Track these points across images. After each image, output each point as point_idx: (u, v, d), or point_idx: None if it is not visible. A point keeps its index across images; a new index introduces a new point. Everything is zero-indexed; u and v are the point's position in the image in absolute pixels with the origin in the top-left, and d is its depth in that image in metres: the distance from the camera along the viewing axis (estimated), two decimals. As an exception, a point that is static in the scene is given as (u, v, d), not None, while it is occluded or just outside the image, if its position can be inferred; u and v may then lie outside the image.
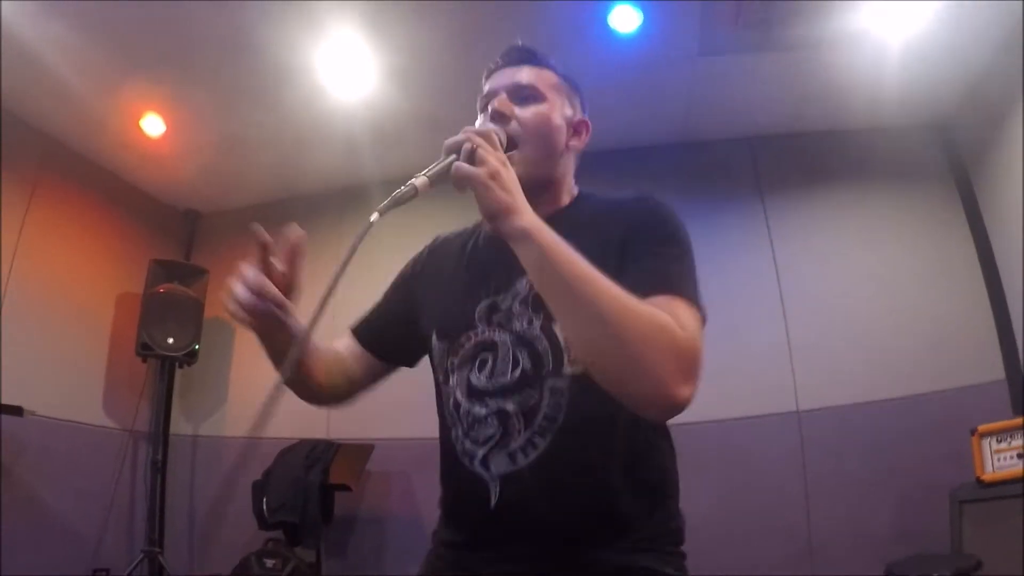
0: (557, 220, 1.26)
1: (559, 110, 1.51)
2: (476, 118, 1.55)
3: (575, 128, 1.56)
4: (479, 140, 1.20)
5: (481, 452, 1.34)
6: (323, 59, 3.96)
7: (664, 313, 1.15)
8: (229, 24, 3.63)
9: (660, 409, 1.17)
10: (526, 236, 1.16)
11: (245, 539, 4.69)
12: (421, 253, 1.74)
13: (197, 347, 5.02)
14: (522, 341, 1.35)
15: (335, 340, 1.67)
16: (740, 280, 4.57)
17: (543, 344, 1.34)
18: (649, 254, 1.31)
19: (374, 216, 1.20)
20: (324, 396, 1.57)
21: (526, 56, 1.55)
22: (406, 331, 1.61)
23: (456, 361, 1.43)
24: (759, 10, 3.68)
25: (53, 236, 4.84)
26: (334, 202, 5.45)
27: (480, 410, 1.37)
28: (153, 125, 4.64)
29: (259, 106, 4.39)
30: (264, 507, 4.50)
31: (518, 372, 1.34)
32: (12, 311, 4.46)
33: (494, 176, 1.17)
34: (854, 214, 4.61)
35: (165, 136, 4.74)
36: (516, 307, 1.38)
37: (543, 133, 1.46)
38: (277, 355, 1.37)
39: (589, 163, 4.82)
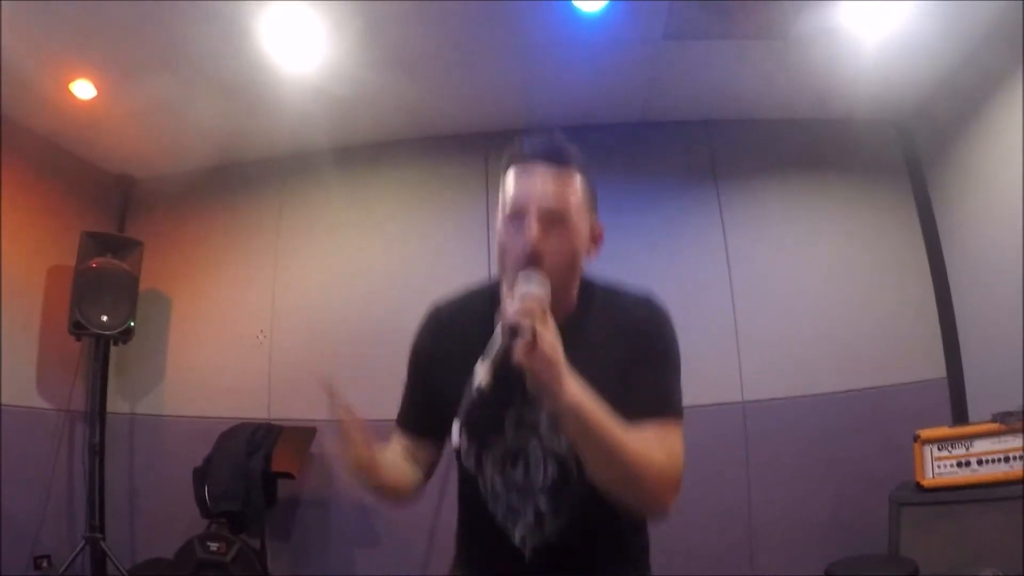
0: (568, 330, 1.40)
1: (584, 231, 1.57)
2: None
3: (593, 239, 1.63)
4: (539, 321, 1.30)
5: (520, 528, 1.58)
6: (267, 26, 3.74)
7: (660, 448, 1.45)
8: None
9: (653, 516, 1.58)
10: (571, 413, 1.33)
11: (187, 521, 4.62)
12: (422, 334, 1.76)
13: (132, 324, 4.82)
14: (552, 453, 1.55)
15: (391, 443, 1.74)
16: (690, 266, 4.59)
17: (571, 460, 1.53)
18: (655, 378, 1.56)
19: (455, 431, 1.53)
20: (412, 493, 1.70)
21: (562, 158, 1.53)
22: (437, 416, 1.66)
23: (489, 458, 1.59)
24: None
25: None
26: (276, 170, 5.27)
27: (516, 501, 1.59)
28: (83, 89, 4.35)
29: (197, 72, 4.15)
30: (206, 495, 4.42)
31: (550, 478, 1.56)
32: None
33: (550, 363, 1.29)
34: (808, 205, 4.64)
35: (96, 100, 4.46)
36: (543, 420, 1.54)
37: (572, 263, 1.54)
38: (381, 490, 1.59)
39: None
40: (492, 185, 4.79)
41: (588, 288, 1.64)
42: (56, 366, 4.96)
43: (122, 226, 5.60)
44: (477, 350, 1.44)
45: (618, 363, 1.53)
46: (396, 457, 1.69)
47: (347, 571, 4.52)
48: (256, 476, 4.36)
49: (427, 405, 1.70)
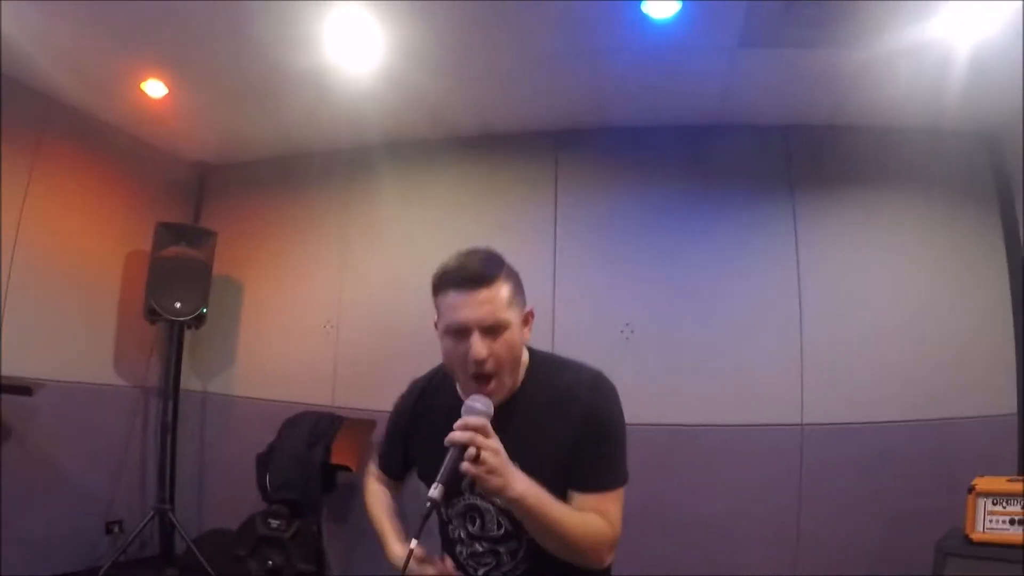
0: (515, 406, 1.77)
1: (518, 324, 1.75)
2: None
3: (526, 321, 1.82)
4: (482, 441, 1.54)
5: (483, 570, 1.87)
6: (330, 30, 3.73)
7: (600, 522, 1.69)
8: None
9: (592, 569, 1.76)
10: (516, 502, 1.57)
11: (251, 497, 4.84)
12: (404, 403, 2.06)
13: (204, 310, 5.03)
14: (503, 512, 1.78)
15: (375, 481, 2.16)
16: (760, 278, 4.40)
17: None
18: (601, 457, 1.77)
19: (413, 543, 1.59)
20: None
21: (487, 279, 1.70)
22: (409, 466, 2.08)
23: (452, 513, 1.88)
24: (810, 9, 3.40)
25: (58, 198, 4.80)
26: (343, 163, 5.33)
27: (478, 547, 1.86)
28: (155, 88, 4.48)
29: (263, 69, 4.18)
30: (267, 482, 4.63)
31: (503, 531, 1.80)
32: (21, 276, 4.51)
33: (494, 471, 1.53)
34: (885, 218, 4.36)
35: (168, 97, 4.60)
36: None
37: (513, 357, 1.75)
38: None
39: (619, 141, 4.60)
40: (561, 183, 4.76)
41: (534, 365, 1.85)
42: (132, 346, 5.26)
43: (198, 212, 5.83)
44: (442, 427, 1.63)
45: (561, 434, 1.74)
46: (391, 503, 2.10)
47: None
48: (315, 468, 4.52)
49: (402, 458, 2.06)
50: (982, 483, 3.27)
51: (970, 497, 3.27)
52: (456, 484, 1.71)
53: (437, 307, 1.77)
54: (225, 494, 5.33)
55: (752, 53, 3.79)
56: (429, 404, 1.98)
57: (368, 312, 5.07)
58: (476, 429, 1.55)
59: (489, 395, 1.68)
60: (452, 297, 1.71)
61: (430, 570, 1.73)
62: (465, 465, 1.52)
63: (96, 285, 5.07)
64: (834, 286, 4.33)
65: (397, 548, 1.85)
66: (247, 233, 5.57)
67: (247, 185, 5.73)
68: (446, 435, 1.60)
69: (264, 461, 4.73)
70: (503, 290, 1.72)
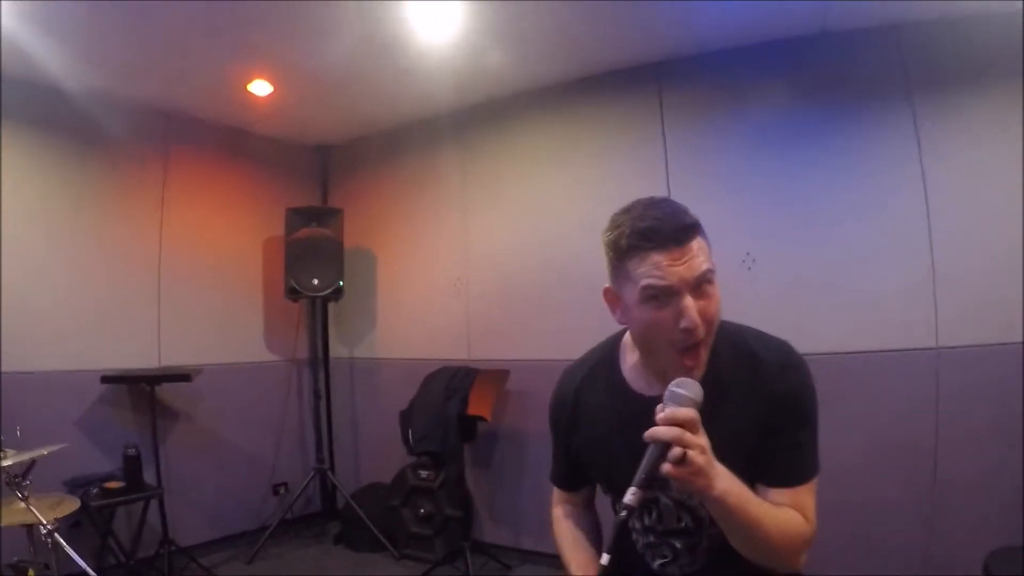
0: (706, 384, 1.42)
1: (718, 281, 1.49)
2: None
3: None
4: (691, 439, 1.32)
5: (659, 561, 1.71)
6: (412, 6, 3.83)
7: (798, 517, 1.52)
8: None
9: (786, 570, 1.56)
10: (717, 502, 1.38)
11: (401, 452, 5.17)
12: (560, 403, 1.83)
13: (341, 283, 5.40)
14: (687, 508, 1.64)
15: (561, 509, 1.94)
16: (883, 196, 4.05)
17: (703, 512, 1.59)
18: (795, 444, 1.56)
19: (604, 558, 1.33)
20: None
21: (691, 232, 1.44)
22: (585, 472, 1.85)
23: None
24: None
25: (194, 200, 5.29)
26: (451, 125, 5.47)
27: (654, 540, 1.71)
28: (260, 87, 4.80)
29: (358, 58, 4.39)
30: (410, 436, 4.93)
31: (683, 524, 1.65)
32: (169, 278, 5.09)
33: (700, 472, 1.33)
34: (1016, 115, 3.81)
35: (274, 94, 4.91)
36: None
37: (717, 319, 1.49)
38: None
39: (721, 65, 4.47)
40: (667, 116, 4.65)
41: (718, 343, 1.54)
42: (280, 324, 5.75)
43: (325, 192, 6.20)
44: (606, 416, 1.64)
45: (751, 418, 1.54)
46: (584, 529, 1.87)
47: (539, 497, 4.75)
48: (452, 420, 4.75)
49: (574, 466, 1.84)
50: None
51: None
52: (630, 473, 1.39)
53: (628, 271, 1.46)
54: (378, 451, 5.72)
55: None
56: (590, 400, 1.75)
57: (494, 265, 5.22)
58: (684, 424, 1.33)
59: (696, 370, 1.46)
60: (653, 257, 1.41)
61: None
62: (667, 467, 1.31)
63: (239, 273, 5.57)
64: (965, 195, 3.91)
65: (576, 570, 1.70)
66: (372, 205, 5.88)
67: (366, 160, 6.02)
68: (614, 437, 1.53)
69: (406, 417, 5.03)
70: (701, 241, 1.46)
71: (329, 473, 5.67)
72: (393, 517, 5.15)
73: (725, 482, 1.37)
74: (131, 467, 4.45)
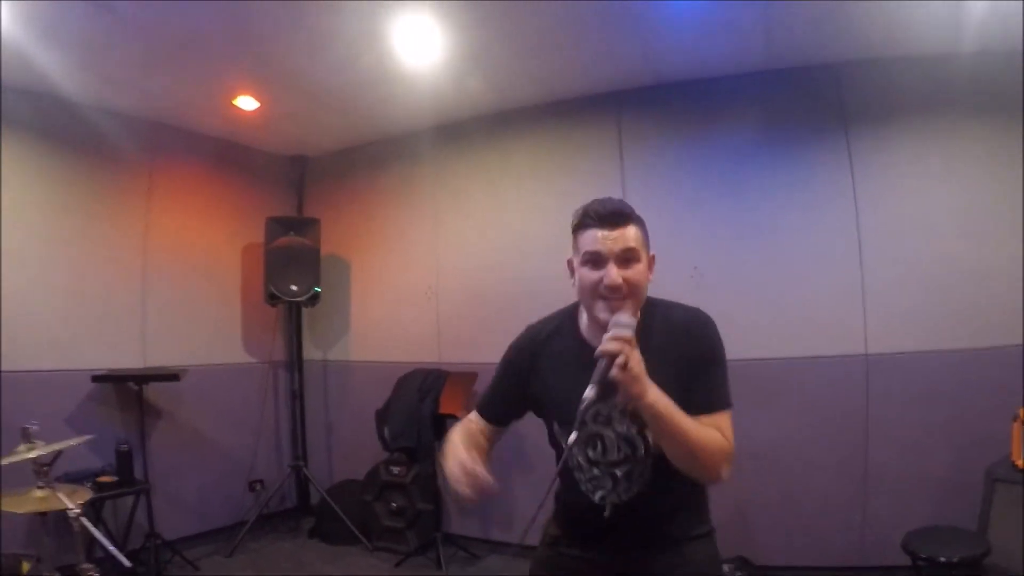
0: (640, 335, 1.81)
1: (646, 261, 1.94)
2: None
3: (650, 264, 1.99)
4: (628, 350, 1.70)
5: (599, 493, 2.02)
6: (396, 29, 4.09)
7: (718, 434, 1.84)
8: (311, 9, 3.81)
9: (710, 482, 1.95)
10: (651, 408, 1.73)
11: (374, 449, 5.51)
12: (522, 347, 2.15)
13: (318, 289, 5.70)
14: (623, 437, 1.98)
15: (465, 425, 2.17)
16: (819, 216, 4.51)
17: (640, 441, 1.96)
18: (710, 379, 1.93)
19: (572, 436, 1.71)
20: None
21: (623, 217, 1.90)
22: (520, 406, 2.16)
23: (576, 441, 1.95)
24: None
25: (176, 208, 5.55)
26: (426, 141, 5.76)
27: (597, 472, 2.03)
28: (246, 102, 5.07)
29: (340, 76, 4.67)
30: (386, 434, 5.27)
31: (623, 455, 1.98)
32: (153, 282, 5.34)
33: (637, 379, 1.71)
34: (939, 147, 4.35)
35: (260, 108, 5.19)
36: (615, 415, 1.96)
37: (642, 286, 1.91)
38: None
39: (675, 96, 4.88)
40: (625, 139, 5.01)
41: (649, 306, 1.99)
42: (257, 327, 6.02)
43: (301, 202, 6.49)
44: (566, 363, 1.97)
45: (675, 365, 1.89)
46: (478, 442, 2.09)
47: (507, 490, 4.77)
48: (426, 418, 5.11)
49: (515, 403, 2.15)
50: (1025, 413, 3.40)
51: (1016, 425, 3.49)
52: (581, 414, 1.78)
53: (577, 243, 1.94)
54: (351, 448, 6.02)
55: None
56: (551, 349, 2.09)
57: (463, 275, 5.54)
58: (625, 340, 1.71)
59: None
60: (593, 231, 1.89)
61: (476, 474, 1.79)
62: (615, 371, 1.67)
63: (219, 279, 5.83)
64: (892, 217, 4.38)
65: (461, 452, 1.89)
66: (347, 215, 6.18)
67: (342, 172, 6.33)
68: (570, 376, 1.83)
69: (382, 415, 5.36)
70: (635, 229, 1.91)
71: (304, 470, 5.95)
72: (367, 511, 5.46)
73: (656, 392, 1.73)
74: (123, 463, 4.68)
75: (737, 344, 4.39)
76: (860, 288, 4.38)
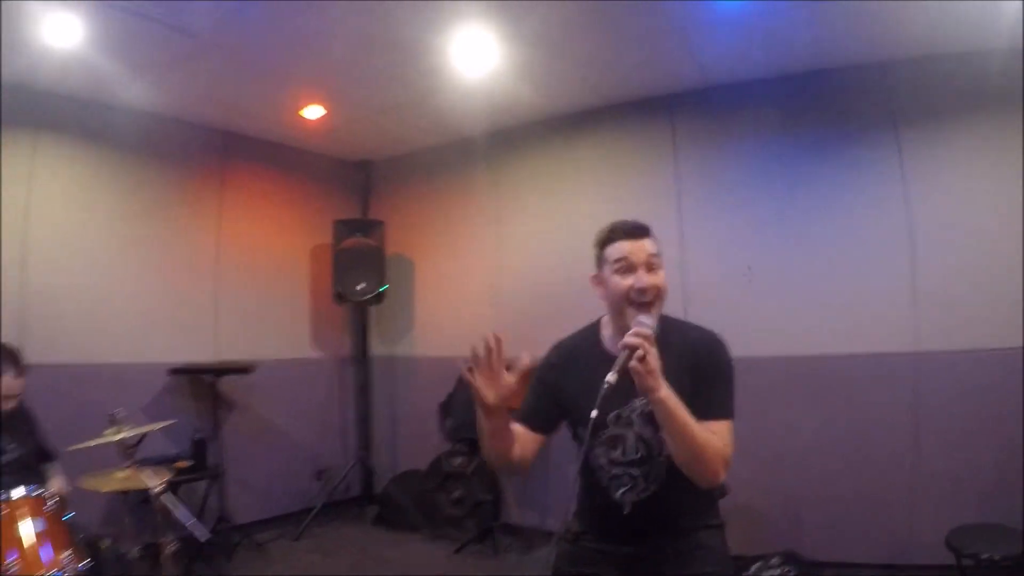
0: (659, 346, 2.00)
1: (663, 268, 2.20)
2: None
3: None
4: (647, 345, 1.91)
5: (620, 492, 2.23)
6: (455, 45, 4.31)
7: (717, 438, 2.04)
8: (374, 24, 4.03)
9: (708, 484, 2.07)
10: (663, 403, 1.94)
11: (437, 441, 5.79)
12: (550, 361, 2.37)
13: (383, 288, 5.96)
14: (640, 438, 2.19)
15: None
16: (870, 215, 4.52)
17: (654, 442, 2.16)
18: (715, 390, 2.14)
19: (594, 413, 1.88)
20: (520, 468, 2.31)
21: (645, 231, 2.19)
22: (553, 415, 2.34)
23: (597, 442, 2.24)
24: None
25: (247, 213, 5.91)
26: (486, 145, 5.98)
27: (618, 471, 2.24)
28: (313, 112, 5.37)
29: (400, 82, 4.90)
30: (448, 425, 5.54)
31: (640, 455, 2.20)
32: (225, 282, 5.70)
33: (651, 373, 1.91)
34: (990, 145, 4.29)
35: (325, 116, 5.47)
36: (634, 417, 2.18)
37: (665, 291, 2.17)
38: (492, 428, 2.14)
39: (726, 98, 5.02)
40: (678, 142, 5.13)
41: (666, 322, 2.22)
42: (325, 324, 6.36)
43: (366, 205, 6.80)
44: (590, 371, 2.10)
45: (688, 375, 2.10)
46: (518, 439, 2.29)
47: (562, 482, 4.96)
48: (486, 410, 5.30)
49: (548, 411, 2.32)
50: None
51: None
52: (603, 416, 2.06)
53: (605, 255, 2.19)
54: (414, 440, 6.27)
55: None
56: (577, 359, 2.31)
57: (524, 274, 5.73)
58: (645, 337, 1.92)
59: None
60: (621, 243, 2.16)
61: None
62: (634, 363, 1.88)
63: (289, 278, 6.18)
64: (943, 214, 4.35)
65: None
66: (411, 217, 6.45)
67: (405, 175, 6.61)
68: (591, 383, 1.95)
69: (445, 408, 5.65)
70: (653, 242, 2.18)
71: (369, 460, 6.24)
72: (428, 500, 5.69)
73: (668, 390, 1.93)
74: (198, 450, 5.02)
75: (788, 341, 4.66)
76: (911, 286, 4.38)
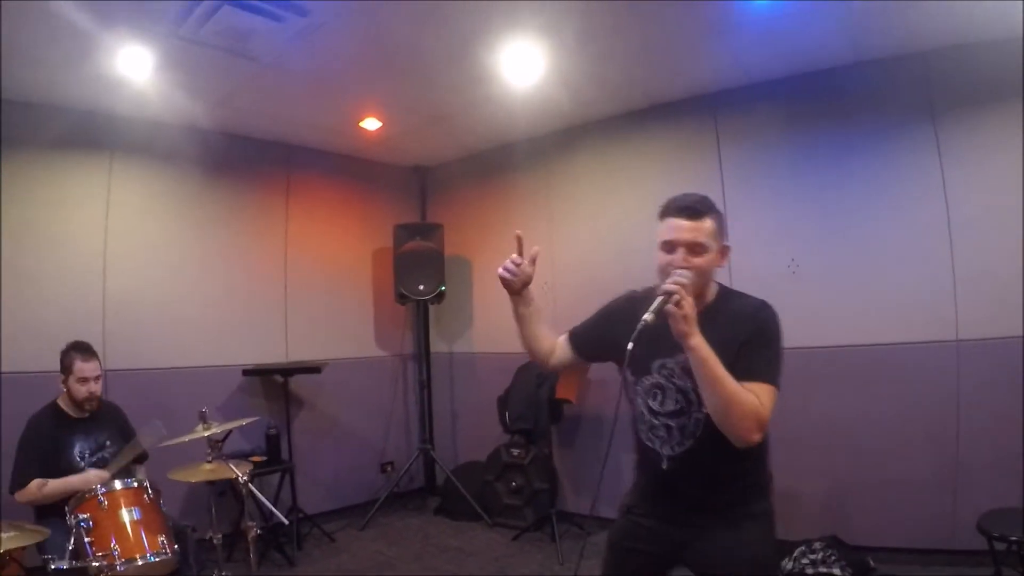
0: (706, 315, 2.16)
1: (714, 252, 2.26)
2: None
3: (721, 253, 2.30)
4: (683, 292, 2.03)
5: (658, 443, 2.34)
6: (504, 58, 4.53)
7: (754, 396, 2.08)
8: (426, 39, 4.26)
9: (742, 443, 2.10)
10: (695, 350, 2.04)
11: (495, 433, 6.03)
12: (621, 302, 2.55)
13: (443, 288, 6.25)
14: (680, 390, 2.28)
15: (558, 335, 2.65)
16: (909, 205, 4.58)
17: (693, 396, 2.23)
18: (756, 354, 2.18)
19: (630, 345, 2.03)
20: (541, 357, 2.63)
21: (698, 213, 2.23)
22: (603, 349, 2.49)
23: (640, 389, 2.38)
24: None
25: (311, 220, 6.24)
26: (538, 148, 6.22)
27: (656, 421, 2.34)
28: (371, 124, 5.66)
29: (452, 94, 5.14)
30: (507, 417, 5.78)
31: (678, 406, 2.28)
32: (294, 286, 6.06)
33: (686, 318, 2.02)
34: None
35: (383, 128, 5.76)
36: (677, 369, 2.26)
37: (705, 273, 2.24)
38: (520, 314, 2.56)
39: (766, 94, 5.16)
40: (722, 138, 5.25)
41: (723, 293, 2.35)
42: (388, 324, 6.70)
43: (424, 207, 7.10)
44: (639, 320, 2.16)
45: (735, 341, 2.16)
46: (549, 336, 2.62)
47: (616, 471, 4.73)
48: (543, 402, 5.56)
49: (595, 340, 2.53)
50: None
51: None
52: (648, 362, 2.26)
53: (660, 229, 2.27)
54: (474, 433, 6.55)
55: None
56: (637, 309, 2.25)
57: (577, 271, 5.90)
58: (682, 284, 2.03)
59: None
60: (670, 221, 2.23)
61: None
62: (670, 306, 2.00)
63: (353, 281, 6.52)
64: (982, 204, 4.37)
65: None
66: (467, 220, 6.72)
67: (461, 179, 6.88)
68: (647, 333, 2.08)
69: (503, 401, 5.88)
70: (707, 224, 2.22)
71: (431, 452, 6.53)
72: (487, 490, 5.95)
73: (701, 338, 2.03)
74: (272, 444, 5.36)
75: (832, 331, 4.81)
76: (951, 276, 4.44)
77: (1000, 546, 3.43)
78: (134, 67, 4.25)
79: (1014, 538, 3.33)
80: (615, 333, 2.35)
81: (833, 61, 4.82)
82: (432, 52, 4.42)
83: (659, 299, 2.04)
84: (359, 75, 4.76)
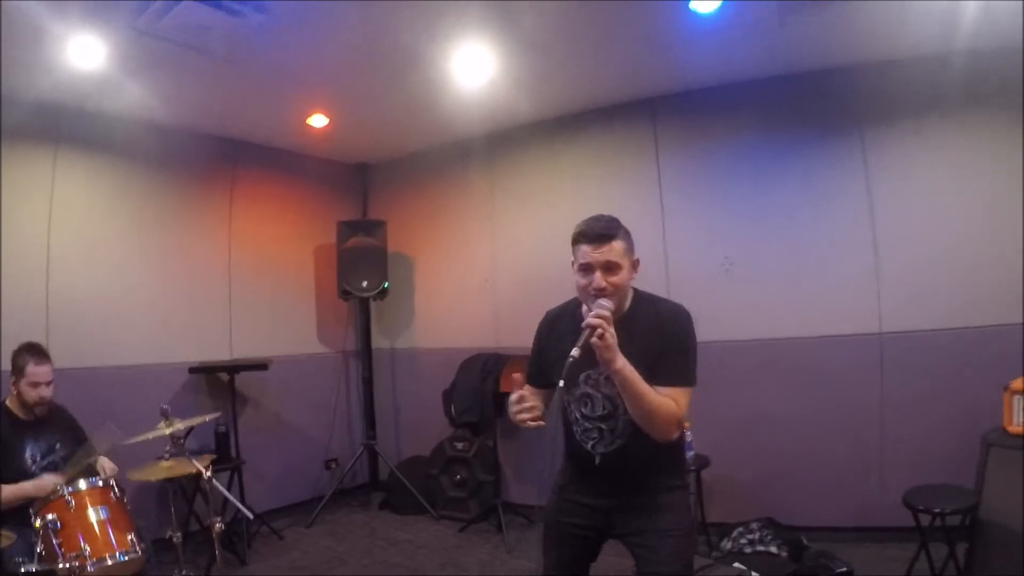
0: (625, 324, 2.38)
1: (627, 269, 2.44)
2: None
3: (633, 266, 2.49)
4: (605, 325, 2.20)
5: (590, 443, 2.55)
6: (453, 58, 4.59)
7: (672, 401, 2.34)
8: (375, 37, 4.30)
9: (662, 440, 2.38)
10: (618, 373, 2.25)
11: (439, 428, 6.15)
12: (542, 327, 2.75)
13: (386, 285, 6.31)
14: (607, 397, 2.49)
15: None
16: (837, 209, 4.87)
17: (618, 400, 2.41)
18: (673, 361, 2.41)
19: (560, 383, 2.20)
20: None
21: (607, 237, 2.39)
22: (547, 376, 2.61)
23: (571, 399, 2.57)
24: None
25: (255, 215, 6.23)
26: (482, 147, 6.30)
27: (588, 425, 2.55)
28: (318, 120, 5.67)
29: (400, 92, 5.16)
30: (452, 411, 5.89)
31: (606, 411, 2.50)
32: (237, 283, 6.03)
33: (609, 348, 2.22)
34: (948, 142, 4.67)
35: (329, 125, 5.78)
36: (601, 379, 2.47)
37: (621, 288, 2.42)
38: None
39: (703, 101, 5.41)
40: (660, 142, 5.44)
41: (637, 298, 2.53)
42: (330, 320, 6.70)
43: (366, 204, 7.14)
44: (566, 340, 2.39)
45: (653, 346, 2.39)
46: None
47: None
48: (488, 396, 5.71)
49: (539, 371, 2.65)
50: (1016, 384, 3.82)
51: (1006, 395, 3.83)
52: (576, 375, 2.43)
53: (574, 253, 2.44)
54: (417, 428, 6.65)
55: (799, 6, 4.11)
56: (558, 327, 2.63)
57: (518, 267, 6.05)
58: (604, 318, 2.21)
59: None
60: (584, 247, 2.40)
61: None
62: (594, 340, 2.18)
63: (296, 278, 6.52)
64: (903, 207, 4.74)
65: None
66: (410, 217, 6.78)
67: (404, 177, 6.94)
68: (570, 346, 2.24)
69: (448, 395, 5.99)
70: (617, 245, 2.39)
71: (376, 447, 6.56)
72: (432, 483, 6.06)
73: (623, 361, 2.24)
74: (221, 442, 5.33)
75: (764, 325, 5.09)
76: (875, 274, 4.78)
77: (925, 519, 3.71)
78: (85, 58, 4.13)
79: (937, 510, 3.64)
80: (546, 359, 2.64)
81: (767, 71, 5.07)
82: (383, 51, 4.47)
83: (584, 334, 2.21)
84: (310, 72, 4.78)
